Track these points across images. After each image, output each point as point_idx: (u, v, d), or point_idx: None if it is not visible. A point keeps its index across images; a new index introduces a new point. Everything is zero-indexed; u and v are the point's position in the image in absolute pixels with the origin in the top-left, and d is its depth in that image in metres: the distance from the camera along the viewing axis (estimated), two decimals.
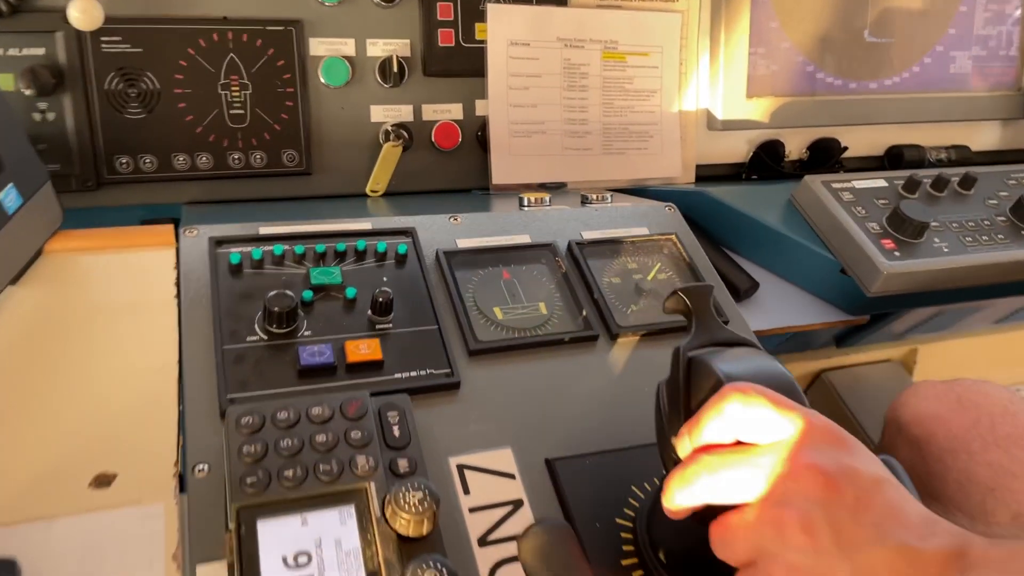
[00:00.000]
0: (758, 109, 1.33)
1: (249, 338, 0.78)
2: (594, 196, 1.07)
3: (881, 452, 0.58)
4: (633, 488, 0.74)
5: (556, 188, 1.24)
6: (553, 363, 0.84)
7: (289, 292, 0.78)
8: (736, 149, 1.36)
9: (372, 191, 1.17)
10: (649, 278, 0.95)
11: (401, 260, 0.89)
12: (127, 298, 0.80)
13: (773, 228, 1.19)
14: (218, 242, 0.85)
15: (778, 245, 1.20)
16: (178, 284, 0.83)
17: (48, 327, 0.76)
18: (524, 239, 0.96)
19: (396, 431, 0.71)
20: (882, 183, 1.24)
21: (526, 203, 1.05)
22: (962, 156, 1.47)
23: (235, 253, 0.84)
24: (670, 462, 0.64)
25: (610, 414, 0.81)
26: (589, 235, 0.98)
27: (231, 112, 1.08)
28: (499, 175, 1.19)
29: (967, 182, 1.24)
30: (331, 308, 0.83)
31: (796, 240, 1.18)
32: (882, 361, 1.79)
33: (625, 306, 0.91)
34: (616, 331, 0.87)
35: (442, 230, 0.95)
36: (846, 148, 1.40)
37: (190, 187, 1.09)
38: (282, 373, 0.76)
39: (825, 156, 1.40)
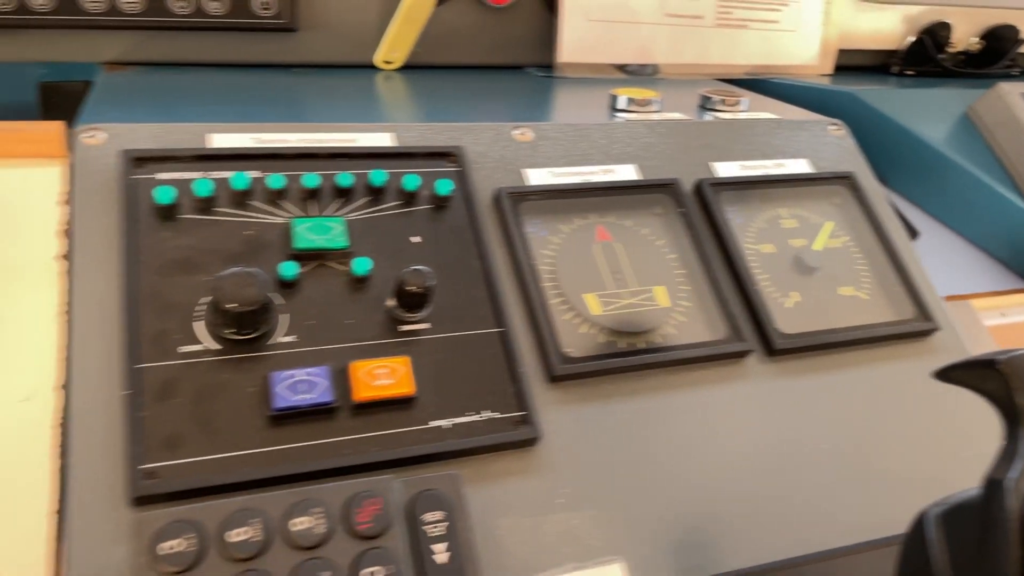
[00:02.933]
0: None
1: (184, 348, 0.45)
2: (721, 98, 0.72)
3: None
4: None
5: (641, 73, 0.87)
6: (681, 397, 0.53)
7: (258, 273, 0.45)
8: (889, 31, 0.98)
9: (385, 62, 0.80)
10: (816, 247, 0.62)
11: (441, 204, 0.55)
12: None
13: (943, 153, 0.85)
14: (137, 160, 0.50)
15: (945, 178, 0.86)
16: (69, 234, 0.48)
17: None
18: (628, 172, 0.62)
19: (441, 554, 0.41)
20: None
21: (623, 106, 0.69)
22: None
23: (165, 186, 0.49)
24: None
25: (774, 490, 0.51)
26: (725, 169, 0.64)
27: None
28: (569, 49, 0.82)
29: None
30: (327, 291, 0.49)
31: (974, 174, 0.84)
32: None
33: (783, 293, 0.59)
34: (778, 344, 0.55)
35: (501, 150, 0.60)
36: None
37: (110, 39, 0.71)
38: (240, 419, 0.44)
39: (998, 50, 1.02)
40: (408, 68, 0.81)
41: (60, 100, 0.76)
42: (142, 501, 0.40)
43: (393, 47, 0.78)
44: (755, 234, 0.61)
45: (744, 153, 0.66)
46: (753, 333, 0.56)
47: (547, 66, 0.85)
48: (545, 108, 0.72)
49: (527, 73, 0.85)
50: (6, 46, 0.69)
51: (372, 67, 0.80)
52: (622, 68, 0.86)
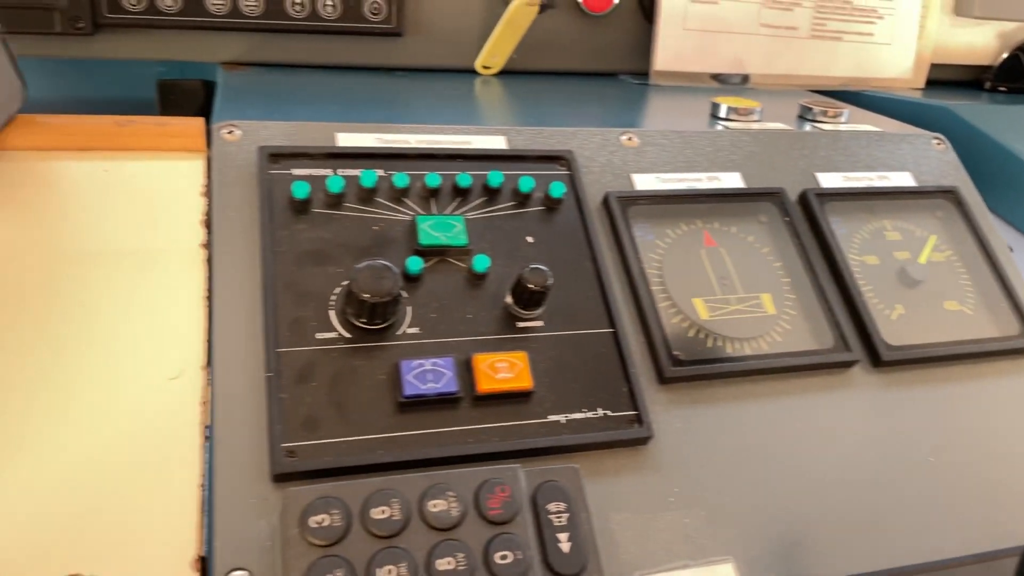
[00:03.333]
0: None
1: (321, 335, 0.48)
2: (822, 109, 0.72)
3: None
4: None
5: (731, 82, 0.87)
6: (788, 404, 0.53)
7: (390, 267, 0.47)
8: (983, 46, 0.97)
9: (484, 67, 0.82)
10: (921, 259, 0.62)
11: (553, 206, 0.57)
12: (123, 243, 0.49)
13: None
14: (273, 156, 0.53)
15: None
16: (208, 224, 0.51)
17: None
18: (733, 180, 0.63)
19: (564, 543, 0.42)
20: None
21: (724, 115, 0.70)
22: None
23: (301, 181, 0.51)
24: None
25: (881, 500, 0.51)
26: (828, 180, 0.65)
27: None
28: (665, 57, 0.83)
29: None
30: (448, 286, 0.51)
31: None
32: None
33: (888, 306, 0.59)
34: (885, 356, 0.55)
35: (609, 155, 0.62)
36: None
37: (229, 40, 0.75)
38: (371, 404, 0.46)
39: None
40: (505, 73, 0.83)
41: (177, 97, 0.80)
42: (282, 478, 0.43)
43: (493, 52, 0.80)
44: (859, 245, 0.61)
45: (847, 164, 0.66)
46: (859, 344, 0.56)
47: (640, 74, 0.86)
48: (645, 115, 0.73)
49: (621, 80, 0.86)
50: (134, 44, 0.73)
51: (470, 71, 0.83)
52: (715, 77, 0.87)
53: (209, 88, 0.82)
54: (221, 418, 0.44)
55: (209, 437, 0.45)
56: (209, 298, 0.49)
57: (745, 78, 0.88)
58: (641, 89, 0.83)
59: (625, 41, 0.86)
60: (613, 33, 0.85)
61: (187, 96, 0.80)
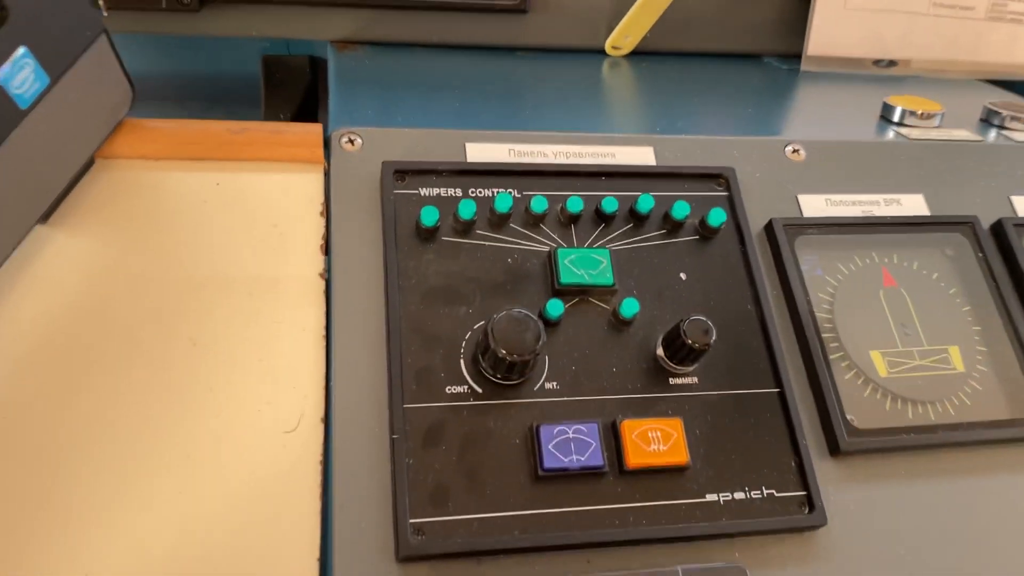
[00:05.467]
0: None
1: (451, 389, 0.42)
2: (1011, 114, 0.62)
3: None
4: None
5: (891, 68, 0.77)
6: (980, 481, 0.46)
7: (532, 318, 0.40)
8: None
9: (614, 48, 0.73)
10: None
11: (709, 235, 0.49)
12: (235, 269, 0.44)
13: None
14: (399, 173, 0.47)
15: None
16: (326, 250, 0.46)
17: (89, 316, 0.42)
18: (916, 204, 0.54)
19: None
20: None
21: (898, 118, 0.61)
22: None
23: (430, 207, 0.45)
24: None
25: None
26: None
27: None
28: (822, 40, 0.73)
29: None
30: (590, 332, 0.45)
31: None
32: None
33: None
34: None
35: (771, 170, 0.53)
36: None
37: (340, 17, 0.68)
38: (505, 473, 0.40)
39: None
40: (635, 54, 0.75)
41: (283, 74, 0.74)
42: (410, 559, 0.38)
43: (626, 32, 0.72)
44: None
45: None
46: None
47: (787, 56, 0.76)
48: (803, 113, 0.64)
49: (765, 64, 0.77)
50: (240, 20, 0.67)
51: (597, 51, 0.74)
52: (876, 63, 0.76)
53: (315, 64, 0.76)
54: (340, 483, 0.40)
55: (326, 498, 0.40)
56: (327, 336, 0.44)
57: (905, 64, 0.77)
58: (791, 76, 0.73)
59: (772, 20, 0.76)
60: (759, 11, 0.75)
61: (293, 73, 0.74)
